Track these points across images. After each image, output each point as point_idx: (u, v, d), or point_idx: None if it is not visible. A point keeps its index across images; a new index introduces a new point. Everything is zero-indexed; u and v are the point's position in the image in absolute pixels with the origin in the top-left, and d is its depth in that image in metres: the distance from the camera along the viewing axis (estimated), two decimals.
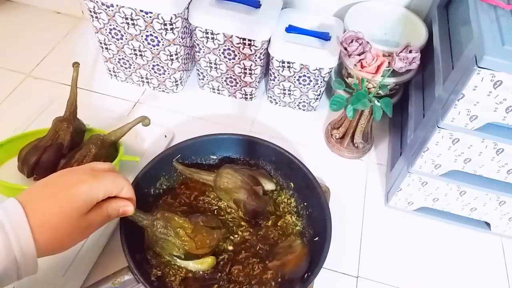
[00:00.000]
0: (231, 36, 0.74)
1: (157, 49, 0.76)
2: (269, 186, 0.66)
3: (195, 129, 0.72)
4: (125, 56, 0.80)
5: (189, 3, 0.73)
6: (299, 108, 0.86)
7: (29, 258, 0.41)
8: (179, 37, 0.74)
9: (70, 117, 0.67)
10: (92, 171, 0.47)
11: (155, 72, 0.82)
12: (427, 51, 0.72)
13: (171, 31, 0.72)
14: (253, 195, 0.62)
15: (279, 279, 0.59)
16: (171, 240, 0.55)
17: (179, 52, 0.77)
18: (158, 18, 0.70)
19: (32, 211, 0.41)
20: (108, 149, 0.65)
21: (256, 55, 0.76)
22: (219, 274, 0.58)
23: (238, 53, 0.77)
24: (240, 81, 0.83)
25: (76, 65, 0.68)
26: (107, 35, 0.77)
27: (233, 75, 0.82)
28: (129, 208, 0.50)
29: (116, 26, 0.74)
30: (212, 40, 0.76)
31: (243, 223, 0.64)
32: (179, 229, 0.55)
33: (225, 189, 0.63)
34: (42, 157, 0.63)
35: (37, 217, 0.41)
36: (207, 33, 0.75)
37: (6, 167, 0.66)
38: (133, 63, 0.81)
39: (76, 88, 0.68)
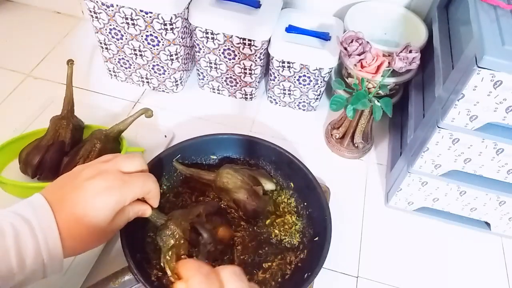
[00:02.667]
0: (231, 36, 0.74)
1: (157, 49, 0.76)
2: (269, 186, 0.66)
3: (195, 129, 0.72)
4: (125, 56, 0.80)
5: (189, 3, 0.73)
6: (299, 108, 0.86)
7: (56, 260, 0.41)
8: (179, 37, 0.74)
9: (68, 114, 0.67)
10: (122, 176, 0.45)
11: (155, 72, 0.82)
12: (427, 51, 0.72)
13: (171, 31, 0.72)
14: (253, 195, 0.62)
15: (279, 279, 0.59)
16: (164, 248, 0.56)
17: (179, 52, 0.77)
18: (158, 18, 0.70)
19: (60, 214, 0.41)
20: (112, 143, 0.66)
21: (256, 55, 0.76)
22: None
23: (238, 53, 0.77)
24: (240, 81, 0.83)
25: (70, 62, 0.68)
26: (107, 35, 0.77)
27: (233, 75, 0.82)
28: (147, 211, 0.52)
29: (116, 26, 0.74)
30: (212, 40, 0.76)
31: (242, 223, 0.64)
32: (174, 248, 0.55)
33: (225, 189, 0.63)
34: (45, 156, 0.63)
35: (65, 222, 0.41)
36: (207, 33, 0.75)
37: (8, 169, 0.66)
38: (133, 63, 0.81)
39: (72, 85, 0.68)
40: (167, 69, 0.80)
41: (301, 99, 0.84)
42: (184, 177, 0.68)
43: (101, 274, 0.55)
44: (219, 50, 0.77)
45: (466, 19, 0.56)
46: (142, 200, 0.52)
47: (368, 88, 0.71)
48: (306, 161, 0.66)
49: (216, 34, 0.75)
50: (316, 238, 0.60)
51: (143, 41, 0.76)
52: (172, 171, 0.67)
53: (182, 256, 0.55)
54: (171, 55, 0.77)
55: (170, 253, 0.55)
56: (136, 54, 0.79)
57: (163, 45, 0.75)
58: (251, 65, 0.78)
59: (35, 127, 0.71)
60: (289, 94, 0.83)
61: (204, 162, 0.71)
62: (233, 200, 0.63)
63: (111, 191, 0.44)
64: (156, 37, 0.74)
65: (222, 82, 0.84)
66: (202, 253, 0.56)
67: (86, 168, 0.46)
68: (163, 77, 0.83)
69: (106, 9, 0.72)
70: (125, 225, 0.55)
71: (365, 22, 0.77)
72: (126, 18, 0.72)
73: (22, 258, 0.38)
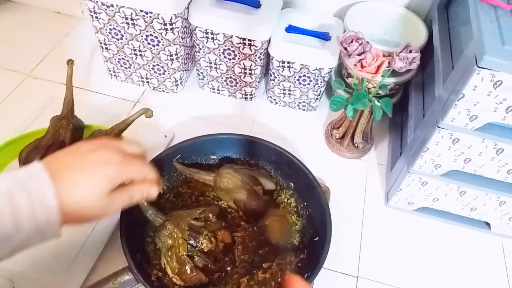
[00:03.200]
0: (231, 36, 0.74)
1: (157, 49, 0.76)
2: (269, 186, 0.66)
3: (195, 129, 0.72)
4: (125, 56, 0.80)
5: (189, 3, 0.73)
6: (299, 108, 0.86)
7: (52, 222, 0.41)
8: (179, 37, 0.74)
9: (68, 114, 0.67)
10: (123, 154, 0.47)
11: (155, 72, 0.82)
12: (427, 51, 0.72)
13: (171, 31, 0.72)
14: (253, 195, 0.62)
15: (279, 279, 0.59)
16: (164, 249, 0.56)
17: (179, 52, 0.77)
18: (158, 18, 0.70)
19: (58, 178, 0.42)
20: None
21: (256, 55, 0.76)
22: (218, 274, 0.58)
23: (238, 53, 0.77)
24: (240, 81, 0.83)
25: (70, 62, 0.68)
26: (107, 35, 0.77)
27: (233, 75, 0.82)
28: (153, 191, 0.50)
29: (116, 26, 0.74)
30: (212, 40, 0.76)
31: (242, 223, 0.64)
32: (173, 248, 0.56)
33: (225, 189, 0.63)
34: (45, 156, 0.62)
35: (64, 185, 0.42)
36: (207, 33, 0.75)
37: (8, 170, 0.66)
38: (133, 63, 0.81)
39: (72, 85, 0.68)
40: (167, 69, 0.80)
41: (301, 99, 0.84)
42: (184, 177, 0.68)
43: (101, 274, 0.55)
44: (219, 50, 0.77)
45: (466, 19, 0.56)
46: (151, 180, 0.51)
47: (368, 88, 0.71)
48: (306, 161, 0.66)
49: (216, 34, 0.75)
50: (316, 238, 0.60)
51: (143, 41, 0.76)
52: (172, 171, 0.67)
53: (182, 257, 0.55)
54: (171, 55, 0.77)
55: (169, 253, 0.55)
56: (136, 54, 0.79)
57: (163, 45, 0.75)
58: (251, 65, 0.78)
59: (35, 127, 0.71)
60: (289, 94, 0.83)
61: (204, 162, 0.71)
62: (233, 200, 0.63)
63: (110, 163, 0.45)
64: (156, 37, 0.74)
65: (222, 82, 0.84)
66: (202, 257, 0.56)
67: (89, 142, 0.48)
68: (163, 77, 0.83)
69: (106, 9, 0.72)
70: (125, 226, 0.55)
71: (365, 22, 0.77)
72: (126, 18, 0.72)
73: (17, 219, 0.38)
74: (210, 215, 0.60)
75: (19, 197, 0.39)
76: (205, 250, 0.57)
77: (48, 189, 0.41)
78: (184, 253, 0.55)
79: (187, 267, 0.55)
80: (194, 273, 0.55)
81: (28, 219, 0.39)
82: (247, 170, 0.65)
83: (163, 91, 0.86)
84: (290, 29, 0.77)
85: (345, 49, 0.65)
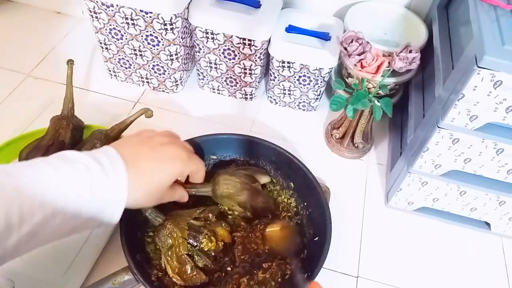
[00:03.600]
0: (231, 36, 0.74)
1: (157, 49, 0.76)
2: (264, 179, 0.66)
3: (195, 129, 0.72)
4: (125, 56, 0.80)
5: (189, 3, 0.73)
6: (299, 108, 0.86)
7: (119, 204, 0.43)
8: (179, 37, 0.74)
9: (68, 114, 0.67)
10: (187, 150, 0.51)
11: (155, 72, 0.82)
12: (427, 51, 0.72)
13: (171, 31, 0.72)
14: (256, 193, 0.62)
15: (279, 279, 0.59)
16: (164, 249, 0.56)
17: (179, 52, 0.77)
18: (158, 18, 0.70)
19: (130, 166, 0.44)
20: None
21: (256, 55, 0.76)
22: (218, 273, 0.58)
23: (238, 53, 0.77)
24: (240, 81, 0.83)
25: (70, 62, 0.68)
26: (107, 35, 0.77)
27: (233, 75, 0.82)
28: (186, 197, 0.56)
29: (116, 26, 0.74)
30: (212, 40, 0.76)
31: (242, 223, 0.63)
32: (173, 248, 0.56)
33: (227, 195, 0.62)
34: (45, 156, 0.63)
35: (133, 174, 0.44)
36: (207, 33, 0.75)
37: None
38: (133, 63, 0.81)
39: (72, 85, 0.68)
40: (167, 69, 0.80)
41: (301, 99, 0.84)
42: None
43: (101, 274, 0.55)
44: (219, 50, 0.77)
45: (466, 19, 0.56)
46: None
47: (368, 88, 0.71)
48: (306, 161, 0.66)
49: (216, 34, 0.75)
50: (316, 238, 0.60)
51: (143, 41, 0.76)
52: None
53: (182, 256, 0.55)
54: (171, 55, 0.77)
55: (169, 253, 0.55)
56: (136, 54, 0.79)
57: (163, 45, 0.75)
58: (251, 65, 0.78)
59: (35, 127, 0.71)
60: (289, 94, 0.83)
61: (204, 162, 0.70)
62: (238, 203, 0.62)
63: (180, 159, 0.49)
64: (156, 37, 0.74)
65: (222, 82, 0.84)
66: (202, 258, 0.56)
67: (156, 135, 0.51)
68: (163, 77, 0.83)
69: (106, 9, 0.72)
70: (125, 226, 0.55)
71: (365, 22, 0.77)
72: (126, 18, 0.72)
73: (93, 192, 0.40)
74: (210, 215, 0.60)
75: (98, 174, 0.41)
76: (205, 250, 0.56)
77: (122, 175, 0.43)
78: (184, 253, 0.55)
79: (188, 267, 0.55)
80: (195, 273, 0.55)
81: (100, 197, 0.41)
82: (240, 170, 0.65)
83: (163, 91, 0.86)
84: (290, 29, 0.77)
85: (345, 49, 0.65)
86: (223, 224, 0.60)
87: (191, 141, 0.67)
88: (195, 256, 0.56)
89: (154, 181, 0.46)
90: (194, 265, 0.55)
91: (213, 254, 0.57)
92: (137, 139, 0.50)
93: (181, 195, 0.56)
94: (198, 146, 0.68)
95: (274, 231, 0.60)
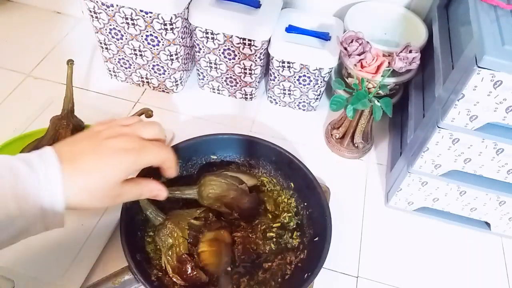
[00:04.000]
0: (231, 36, 0.74)
1: (157, 49, 0.76)
2: (251, 182, 0.65)
3: (195, 129, 0.72)
4: (125, 56, 0.80)
5: (189, 3, 0.73)
6: (299, 108, 0.86)
7: (56, 208, 0.40)
8: (179, 37, 0.74)
9: (68, 114, 0.67)
10: (140, 140, 0.46)
11: (155, 72, 0.82)
12: (427, 51, 0.72)
13: (171, 31, 0.72)
14: (243, 193, 0.62)
15: (279, 279, 0.59)
16: (164, 248, 0.56)
17: (179, 52, 0.77)
18: (158, 18, 0.70)
19: (68, 164, 0.40)
20: None
21: (256, 55, 0.76)
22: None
23: (238, 53, 0.77)
24: (240, 81, 0.83)
25: (70, 62, 0.68)
26: (107, 35, 0.77)
27: (233, 75, 0.82)
28: (162, 194, 0.50)
29: (116, 26, 0.74)
30: (212, 40, 0.76)
31: (242, 223, 0.63)
32: (174, 247, 0.55)
33: (213, 196, 0.61)
34: None
35: (72, 172, 0.40)
36: (207, 33, 0.75)
37: None
38: (133, 63, 0.81)
39: (72, 85, 0.68)
40: (167, 69, 0.80)
41: (301, 99, 0.84)
42: (185, 176, 0.68)
43: (101, 274, 0.55)
44: (219, 50, 0.77)
45: (466, 19, 0.56)
46: (160, 183, 0.51)
47: (368, 88, 0.71)
48: (306, 161, 0.66)
49: (216, 34, 0.75)
50: (316, 238, 0.60)
51: (143, 41, 0.76)
52: None
53: (183, 256, 0.55)
54: (171, 55, 0.77)
55: (170, 252, 0.55)
56: (136, 54, 0.79)
57: (163, 45, 0.75)
58: (251, 65, 0.78)
59: (35, 127, 0.71)
60: (289, 94, 0.83)
61: (204, 162, 0.70)
62: (225, 204, 0.62)
63: (128, 152, 0.44)
64: (156, 37, 0.74)
65: (222, 82, 0.84)
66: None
67: (106, 128, 0.46)
68: (163, 77, 0.83)
69: (106, 9, 0.72)
70: (125, 226, 0.55)
71: (365, 22, 0.77)
72: (126, 18, 0.72)
73: (20, 200, 0.37)
74: (210, 214, 0.60)
75: (25, 178, 0.38)
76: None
77: (56, 175, 0.39)
78: (185, 252, 0.55)
79: (188, 266, 0.55)
80: (195, 272, 0.55)
81: (32, 201, 0.38)
82: (226, 172, 0.65)
83: (163, 91, 0.86)
84: (290, 29, 0.77)
85: (345, 49, 0.65)
86: (223, 224, 0.60)
87: (191, 141, 0.67)
88: (195, 256, 0.56)
89: (96, 178, 0.42)
90: (194, 264, 0.55)
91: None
92: (82, 135, 0.46)
93: (151, 191, 0.49)
94: (198, 146, 0.68)
95: (204, 251, 0.57)
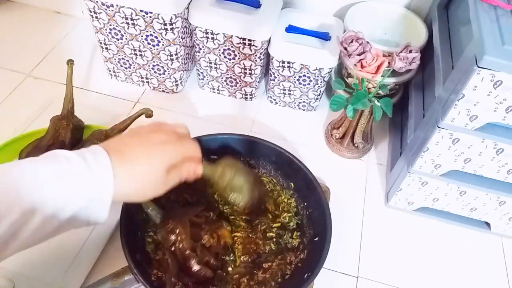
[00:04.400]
0: (231, 36, 0.74)
1: (157, 49, 0.76)
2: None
3: (195, 129, 0.72)
4: (125, 56, 0.80)
5: (189, 3, 0.73)
6: (299, 108, 0.86)
7: (104, 199, 0.41)
8: (179, 37, 0.74)
9: (68, 114, 0.67)
10: (178, 134, 0.50)
11: (155, 72, 0.82)
12: (427, 51, 0.72)
13: (171, 31, 0.72)
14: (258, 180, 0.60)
15: (279, 279, 0.59)
16: (167, 245, 0.56)
17: (179, 52, 0.77)
18: (158, 18, 0.70)
19: (116, 158, 0.42)
20: None
21: (256, 55, 0.76)
22: (220, 272, 0.58)
23: (238, 53, 0.77)
24: (240, 81, 0.83)
25: (70, 62, 0.68)
26: (107, 35, 0.77)
27: (233, 75, 0.82)
28: (199, 170, 0.52)
29: (116, 26, 0.74)
30: (212, 40, 0.76)
31: (242, 223, 0.64)
32: (177, 244, 0.55)
33: (231, 179, 0.56)
34: None
35: (123, 161, 0.43)
36: (207, 33, 0.75)
37: None
38: (133, 63, 0.81)
39: (72, 85, 0.68)
40: (167, 69, 0.80)
41: (301, 99, 0.84)
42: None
43: (101, 274, 0.55)
44: (219, 50, 0.77)
45: (466, 19, 0.56)
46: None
47: (368, 88, 0.71)
48: (306, 161, 0.66)
49: (216, 34, 0.75)
50: (316, 238, 0.60)
51: (143, 41, 0.76)
52: None
53: (186, 252, 0.55)
54: (171, 55, 0.77)
55: (173, 249, 0.55)
56: (136, 54, 0.79)
57: (163, 45, 0.75)
58: (251, 65, 0.78)
59: (35, 127, 0.71)
60: (289, 94, 0.83)
61: (204, 162, 0.70)
62: (243, 188, 0.56)
63: (169, 142, 0.47)
64: (156, 37, 0.74)
65: (222, 82, 0.84)
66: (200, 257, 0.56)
67: (145, 125, 0.50)
68: (163, 77, 0.83)
69: (106, 9, 0.72)
70: (125, 225, 0.55)
71: (365, 22, 0.77)
72: (126, 18, 0.72)
73: (74, 184, 0.39)
74: (211, 213, 0.60)
75: (79, 164, 0.40)
76: (207, 246, 0.57)
77: (106, 163, 0.41)
78: (188, 248, 0.55)
79: (192, 262, 0.55)
80: (199, 268, 0.55)
81: (83, 187, 0.39)
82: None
83: (163, 91, 0.86)
84: (290, 29, 0.77)
85: (345, 49, 0.65)
86: (224, 224, 0.60)
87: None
88: (198, 252, 0.56)
89: (144, 166, 0.44)
90: (198, 260, 0.55)
91: (214, 250, 0.57)
92: (125, 134, 0.50)
93: (189, 170, 0.50)
94: (199, 146, 0.68)
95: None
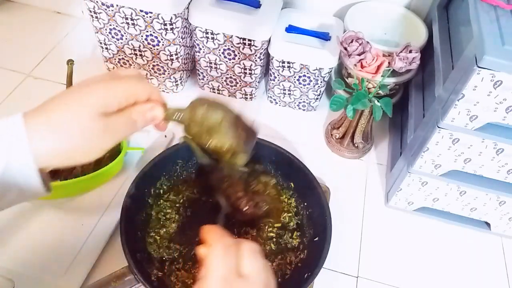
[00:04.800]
0: (231, 36, 0.74)
1: (157, 49, 0.76)
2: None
3: None
4: (125, 56, 0.80)
5: (189, 3, 0.73)
6: (299, 108, 0.86)
7: (29, 168, 0.36)
8: (179, 37, 0.74)
9: None
10: (112, 75, 0.41)
11: (155, 72, 0.82)
12: (427, 51, 0.72)
13: (171, 31, 0.72)
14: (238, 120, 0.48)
15: (279, 279, 0.59)
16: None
17: (179, 52, 0.77)
18: (158, 18, 0.70)
19: (35, 112, 0.37)
20: None
21: (256, 55, 0.76)
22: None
23: (238, 53, 0.77)
24: (240, 81, 0.83)
25: (70, 62, 0.68)
26: (107, 35, 0.77)
27: (233, 75, 0.82)
28: (157, 111, 0.43)
29: (116, 26, 0.74)
30: (212, 40, 0.76)
31: (249, 228, 0.64)
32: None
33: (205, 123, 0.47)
34: None
35: (38, 115, 0.37)
36: (207, 33, 0.75)
37: None
38: (133, 63, 0.81)
39: (72, 85, 0.68)
40: (167, 69, 0.80)
41: (301, 99, 0.84)
42: (185, 176, 0.68)
43: (101, 274, 0.55)
44: (219, 50, 0.77)
45: (466, 19, 0.56)
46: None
47: (368, 88, 0.71)
48: (306, 161, 0.66)
49: (216, 34, 0.75)
50: (316, 238, 0.60)
51: (143, 41, 0.76)
52: (172, 171, 0.67)
53: (239, 193, 0.58)
54: (171, 55, 0.77)
55: (227, 191, 0.57)
56: (136, 54, 0.79)
57: (163, 45, 0.75)
58: (251, 65, 0.78)
59: None
60: (289, 94, 0.83)
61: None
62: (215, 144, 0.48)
63: (97, 83, 0.39)
64: (156, 37, 0.74)
65: (222, 82, 0.84)
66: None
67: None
68: (163, 77, 0.83)
69: (106, 9, 0.72)
70: (125, 225, 0.55)
71: (365, 22, 0.77)
72: (126, 18, 0.72)
73: None
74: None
75: None
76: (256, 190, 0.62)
77: (18, 120, 0.36)
78: (240, 190, 0.58)
79: (244, 202, 0.58)
80: (249, 207, 0.58)
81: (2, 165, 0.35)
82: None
83: (163, 91, 0.86)
84: (290, 29, 0.77)
85: (345, 49, 0.65)
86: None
87: None
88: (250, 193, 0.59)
89: (61, 115, 0.37)
90: (248, 199, 0.58)
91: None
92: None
93: (143, 113, 0.42)
94: None
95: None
